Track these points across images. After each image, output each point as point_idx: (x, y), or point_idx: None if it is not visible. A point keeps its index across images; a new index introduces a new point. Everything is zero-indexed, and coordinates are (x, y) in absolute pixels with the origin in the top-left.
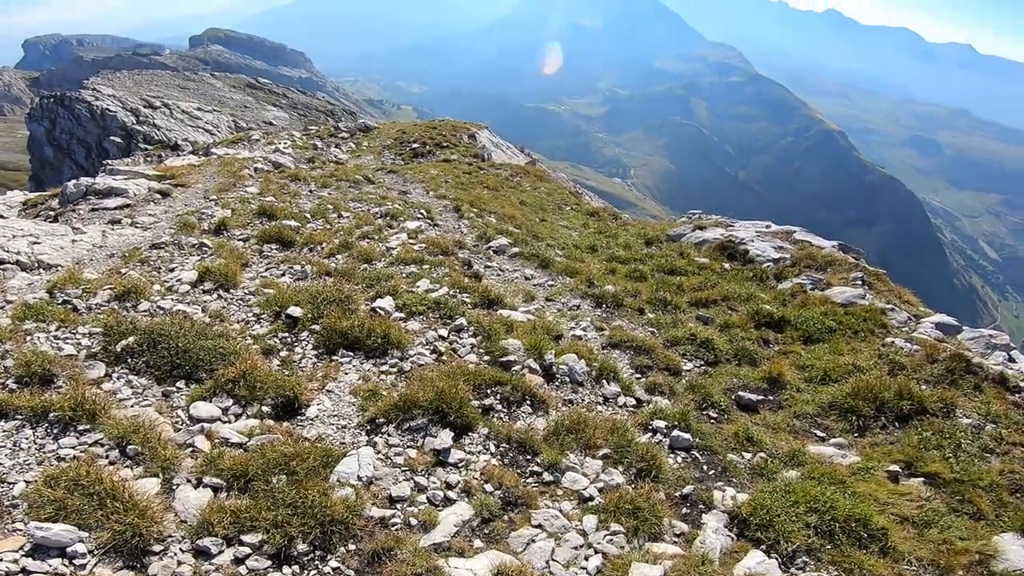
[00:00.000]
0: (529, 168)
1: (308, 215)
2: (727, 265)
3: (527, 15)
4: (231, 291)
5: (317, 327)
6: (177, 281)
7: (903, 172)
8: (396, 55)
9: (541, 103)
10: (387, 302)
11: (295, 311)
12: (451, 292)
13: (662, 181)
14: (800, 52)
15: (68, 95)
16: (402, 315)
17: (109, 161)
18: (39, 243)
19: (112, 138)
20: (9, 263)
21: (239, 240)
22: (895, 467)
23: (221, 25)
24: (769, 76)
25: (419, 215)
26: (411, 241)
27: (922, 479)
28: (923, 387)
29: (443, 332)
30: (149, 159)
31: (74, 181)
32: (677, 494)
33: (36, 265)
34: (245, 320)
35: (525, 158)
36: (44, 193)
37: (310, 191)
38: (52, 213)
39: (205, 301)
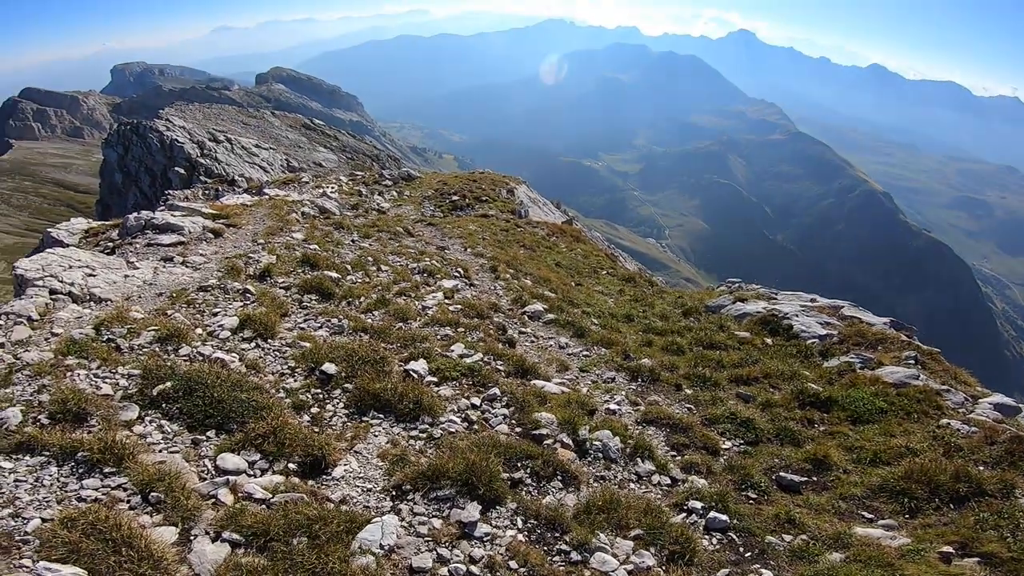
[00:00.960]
0: (565, 228)
1: (349, 266)
2: (769, 340)
3: (567, 69)
4: (269, 340)
5: (350, 386)
6: (219, 327)
7: (951, 236)
8: (440, 102)
9: (578, 157)
10: (421, 365)
11: (329, 368)
12: (485, 359)
13: (697, 242)
14: (842, 108)
15: (144, 124)
16: (435, 379)
17: (170, 192)
18: (94, 275)
19: (176, 168)
20: (62, 294)
21: (281, 288)
22: (948, 548)
23: (285, 64)
24: (810, 133)
25: (456, 273)
26: (447, 301)
27: (977, 559)
28: (981, 469)
29: (476, 400)
30: (207, 192)
31: (135, 215)
32: None
33: (88, 298)
34: (280, 372)
35: (561, 216)
36: (106, 223)
37: (352, 241)
38: (111, 245)
39: (243, 349)
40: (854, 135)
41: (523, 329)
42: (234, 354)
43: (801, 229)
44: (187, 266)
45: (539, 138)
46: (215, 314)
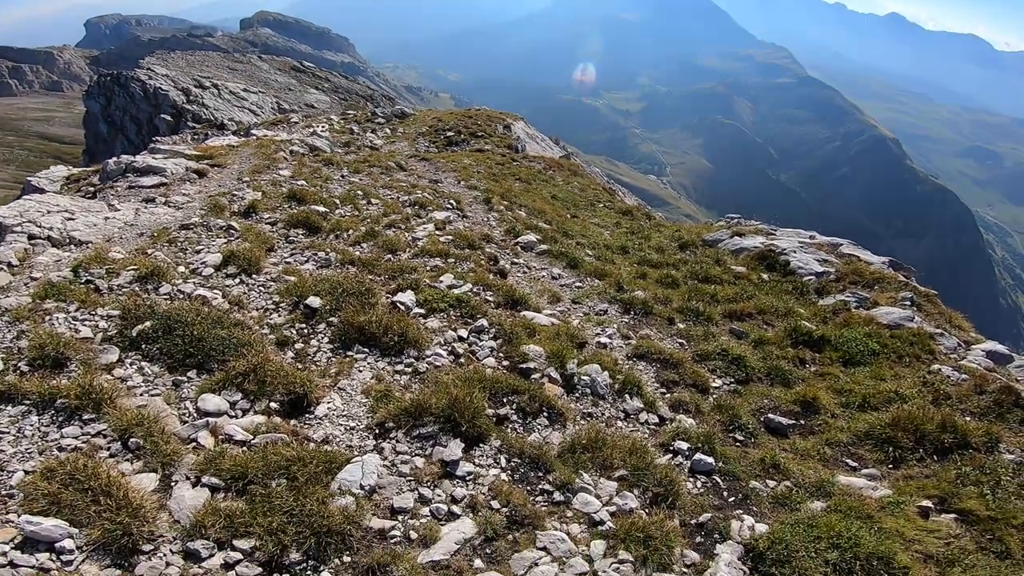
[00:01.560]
0: (563, 162)
1: (337, 201)
2: (766, 276)
3: (568, 6)
4: (254, 276)
5: (335, 319)
6: (202, 264)
7: (958, 183)
8: (435, 42)
9: (578, 96)
10: (408, 296)
11: (314, 301)
12: (474, 289)
13: (699, 180)
14: (856, 56)
15: (124, 74)
16: (422, 311)
17: (157, 138)
18: (73, 219)
19: (163, 116)
20: (40, 239)
21: (267, 223)
22: (927, 502)
23: (271, 8)
24: (821, 79)
25: (448, 205)
26: (438, 232)
27: (954, 515)
28: (968, 419)
29: (463, 333)
30: (196, 137)
31: (114, 159)
32: (693, 522)
33: (67, 241)
34: (264, 308)
35: (560, 151)
36: (87, 169)
37: (342, 176)
38: (92, 189)
39: (227, 286)
40: (867, 82)
41: (515, 260)
42: (217, 291)
43: (805, 171)
44: (169, 206)
45: (539, 76)
46: (198, 251)
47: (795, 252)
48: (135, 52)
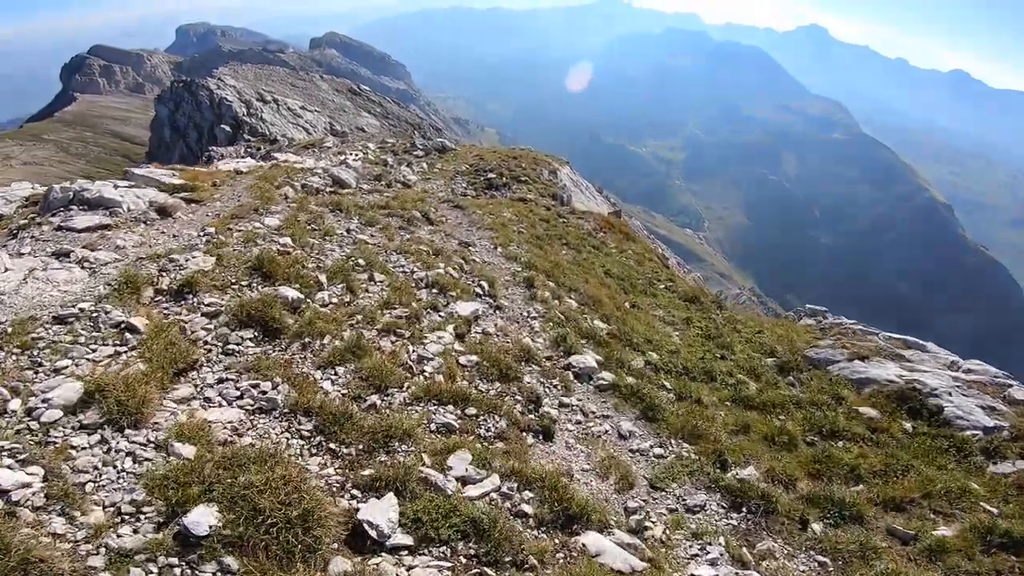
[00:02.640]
0: (614, 221)
1: (324, 278)
2: (909, 426)
3: (621, 50)
4: (128, 432)
5: (234, 567)
6: (45, 402)
7: (1010, 256)
8: (487, 76)
9: (622, 140)
10: (382, 515)
11: (200, 522)
12: (504, 489)
13: (735, 236)
14: (915, 113)
15: (195, 81)
16: (408, 540)
17: (213, 148)
18: None
19: (223, 126)
20: None
21: (204, 314)
22: None
23: (340, 28)
24: (874, 135)
25: (478, 290)
26: (458, 347)
27: None
28: None
29: None
30: (249, 151)
31: (63, 185)
32: None
33: None
34: (116, 508)
35: (604, 202)
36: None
37: (347, 231)
38: (24, 223)
39: (72, 449)
40: (924, 142)
41: (565, 399)
42: (38, 468)
43: (850, 234)
44: (85, 266)
45: (584, 118)
46: (56, 370)
47: (950, 395)
48: (215, 62)
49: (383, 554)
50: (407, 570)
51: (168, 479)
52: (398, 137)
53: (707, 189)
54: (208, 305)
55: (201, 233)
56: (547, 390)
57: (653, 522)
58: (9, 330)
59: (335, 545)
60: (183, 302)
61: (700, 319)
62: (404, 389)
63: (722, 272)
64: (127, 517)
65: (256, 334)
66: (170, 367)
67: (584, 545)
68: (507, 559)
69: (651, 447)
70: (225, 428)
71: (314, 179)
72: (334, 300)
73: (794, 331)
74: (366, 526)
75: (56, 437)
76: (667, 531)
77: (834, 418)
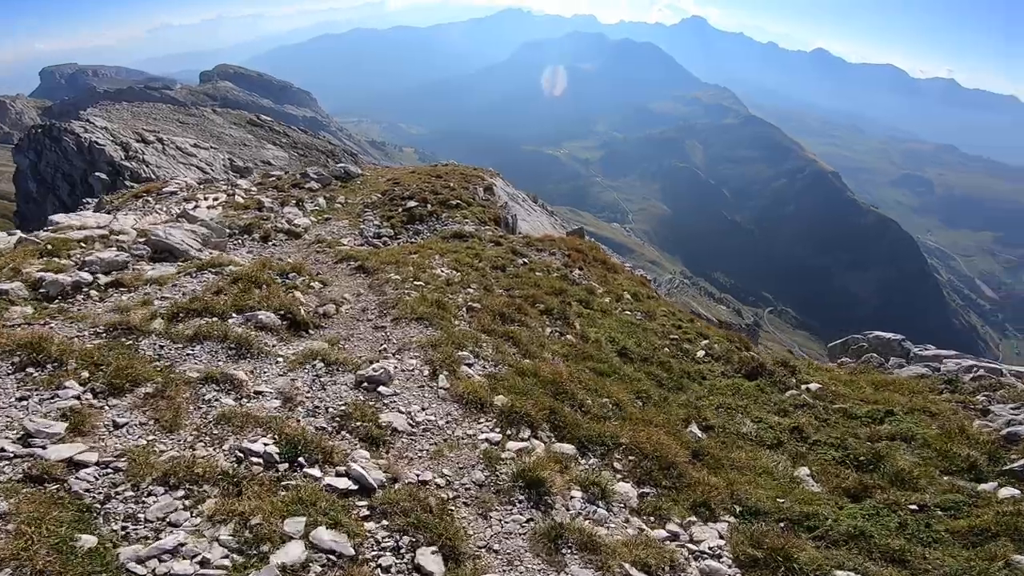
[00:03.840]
0: (584, 248)
1: None
2: None
3: (527, 59)
4: None
5: None
6: None
7: (897, 212)
8: (399, 96)
9: (540, 146)
10: None
11: None
12: None
13: (659, 225)
14: (791, 92)
15: (57, 126)
16: None
17: (87, 200)
18: None
19: (97, 174)
20: None
21: None
22: None
23: (234, 60)
24: (762, 116)
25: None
26: None
27: None
28: None
29: None
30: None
31: None
32: None
33: None
34: None
35: (544, 214)
36: None
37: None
38: None
39: None
40: (803, 118)
41: None
42: None
43: (757, 210)
44: None
45: (501, 128)
46: None
47: None
48: (90, 103)
49: None
50: None
51: None
52: (283, 171)
53: (627, 185)
54: None
55: None
56: None
57: None
58: None
59: None
60: None
61: (802, 417)
62: None
63: (653, 260)
64: None
65: None
66: None
67: None
68: None
69: None
70: None
71: (106, 255)
72: None
73: (906, 390)
74: None
75: None
76: None
77: None
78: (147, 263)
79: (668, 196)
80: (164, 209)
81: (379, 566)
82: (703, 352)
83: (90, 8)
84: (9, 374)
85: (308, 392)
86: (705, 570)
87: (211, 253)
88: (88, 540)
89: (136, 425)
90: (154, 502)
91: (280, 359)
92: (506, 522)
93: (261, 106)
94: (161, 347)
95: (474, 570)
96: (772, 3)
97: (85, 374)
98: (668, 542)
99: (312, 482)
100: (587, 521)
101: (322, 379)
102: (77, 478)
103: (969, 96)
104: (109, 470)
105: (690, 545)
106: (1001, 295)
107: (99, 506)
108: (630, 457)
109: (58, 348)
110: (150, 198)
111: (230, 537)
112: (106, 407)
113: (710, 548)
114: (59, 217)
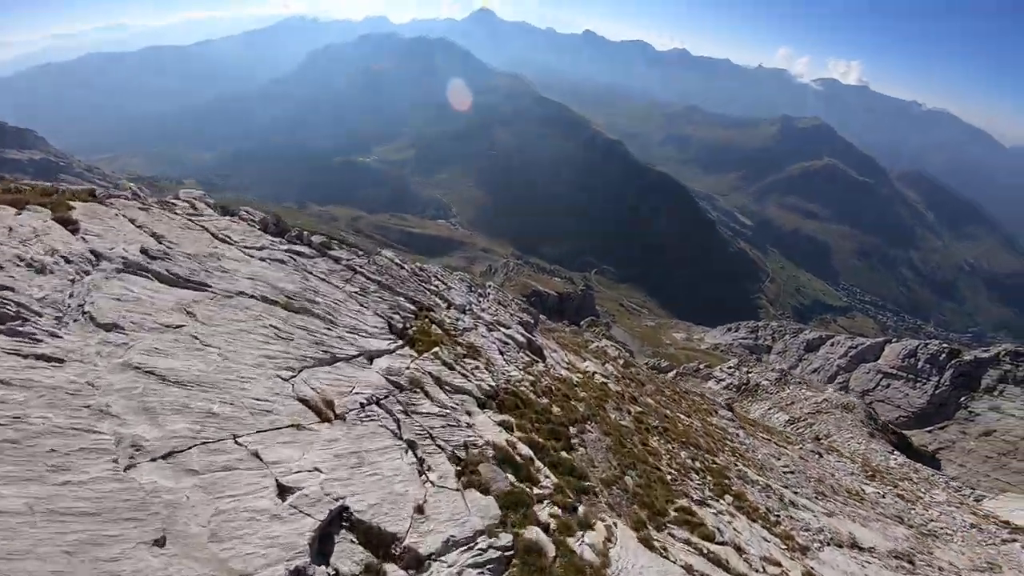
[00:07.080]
0: None
1: None
2: None
3: (317, 65)
4: None
5: None
6: None
7: (668, 167)
8: (172, 121)
9: (349, 155)
10: None
11: None
12: None
13: (482, 214)
14: (570, 71)
15: None
16: None
17: None
18: None
19: None
20: None
21: None
22: None
23: None
24: (552, 98)
25: None
26: None
27: None
28: None
29: None
30: None
31: None
32: None
33: None
34: None
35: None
36: None
37: None
38: None
39: None
40: (584, 93)
41: None
42: None
43: (564, 184)
44: None
45: (302, 144)
46: None
47: None
48: None
49: None
50: None
51: None
52: None
53: (444, 179)
54: None
55: None
56: None
57: None
58: None
59: None
60: None
61: None
62: None
63: (484, 248)
64: None
65: None
66: None
67: None
68: None
69: None
70: None
71: None
72: None
73: None
74: None
75: None
76: None
77: None
78: None
79: (484, 184)
80: None
81: None
82: None
83: None
84: None
85: None
86: None
87: None
88: None
89: None
90: None
91: None
92: None
93: None
94: None
95: None
96: None
97: None
98: None
99: None
100: None
101: None
102: None
103: (697, 62)
104: None
105: None
106: (755, 221)
107: None
108: None
109: None
110: None
111: None
112: None
113: None
114: None
